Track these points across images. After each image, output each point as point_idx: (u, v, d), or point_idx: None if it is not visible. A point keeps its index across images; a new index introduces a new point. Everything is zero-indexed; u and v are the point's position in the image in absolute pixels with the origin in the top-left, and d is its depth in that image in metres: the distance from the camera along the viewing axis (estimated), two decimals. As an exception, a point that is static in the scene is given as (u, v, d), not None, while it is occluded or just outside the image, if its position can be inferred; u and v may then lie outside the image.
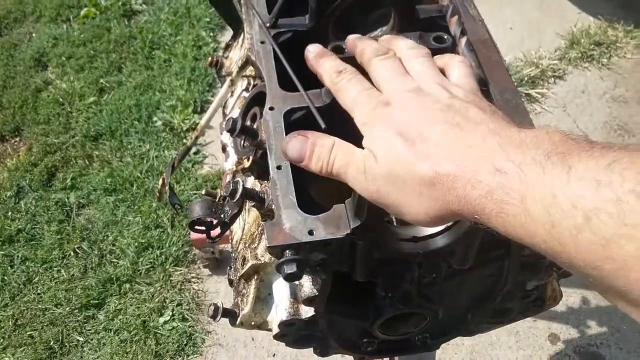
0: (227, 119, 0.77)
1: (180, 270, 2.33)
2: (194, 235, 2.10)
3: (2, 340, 2.20)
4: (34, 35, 3.45)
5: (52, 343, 2.16)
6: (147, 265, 2.33)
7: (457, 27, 0.89)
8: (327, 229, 0.66)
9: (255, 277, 0.86)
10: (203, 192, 1.02)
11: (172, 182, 2.56)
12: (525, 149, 0.44)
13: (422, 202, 0.49)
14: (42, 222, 2.51)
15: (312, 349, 0.99)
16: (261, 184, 0.81)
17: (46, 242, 2.44)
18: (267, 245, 0.66)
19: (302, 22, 0.93)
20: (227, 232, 0.88)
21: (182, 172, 2.61)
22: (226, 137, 1.04)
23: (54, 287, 2.31)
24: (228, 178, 0.94)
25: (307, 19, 0.92)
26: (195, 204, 0.74)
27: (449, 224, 0.72)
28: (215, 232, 0.78)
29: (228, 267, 0.91)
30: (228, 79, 1.08)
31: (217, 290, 2.30)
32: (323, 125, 0.75)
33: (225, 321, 0.90)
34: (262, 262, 0.83)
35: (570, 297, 2.14)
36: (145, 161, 2.68)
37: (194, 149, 2.68)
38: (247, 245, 0.86)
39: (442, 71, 0.60)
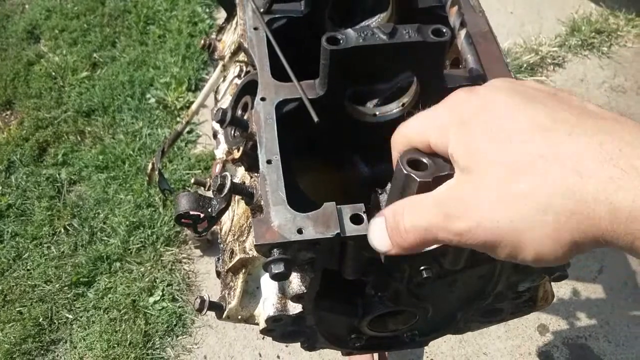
0: (217, 109, 0.75)
1: (172, 250, 2.32)
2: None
3: (-10, 315, 2.19)
4: (26, 6, 3.38)
5: (41, 320, 2.16)
6: (138, 244, 2.31)
7: (457, 18, 0.86)
8: (316, 228, 0.65)
9: (243, 270, 0.84)
10: (192, 181, 0.99)
11: (165, 162, 2.53)
12: None
13: None
14: (33, 197, 2.49)
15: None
16: (251, 177, 0.79)
17: (36, 218, 2.42)
18: (255, 243, 0.64)
19: (297, 8, 0.90)
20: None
21: (175, 152, 2.58)
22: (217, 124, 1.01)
23: (43, 264, 2.29)
24: (218, 167, 0.92)
25: (302, 4, 0.89)
26: (182, 197, 0.72)
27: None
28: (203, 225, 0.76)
29: (216, 259, 0.89)
30: (220, 64, 1.05)
31: (208, 271, 2.28)
32: (316, 119, 0.73)
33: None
34: (251, 256, 0.81)
35: (561, 289, 2.14)
36: (137, 139, 2.64)
37: (187, 128, 2.64)
38: (235, 237, 0.84)
39: None
